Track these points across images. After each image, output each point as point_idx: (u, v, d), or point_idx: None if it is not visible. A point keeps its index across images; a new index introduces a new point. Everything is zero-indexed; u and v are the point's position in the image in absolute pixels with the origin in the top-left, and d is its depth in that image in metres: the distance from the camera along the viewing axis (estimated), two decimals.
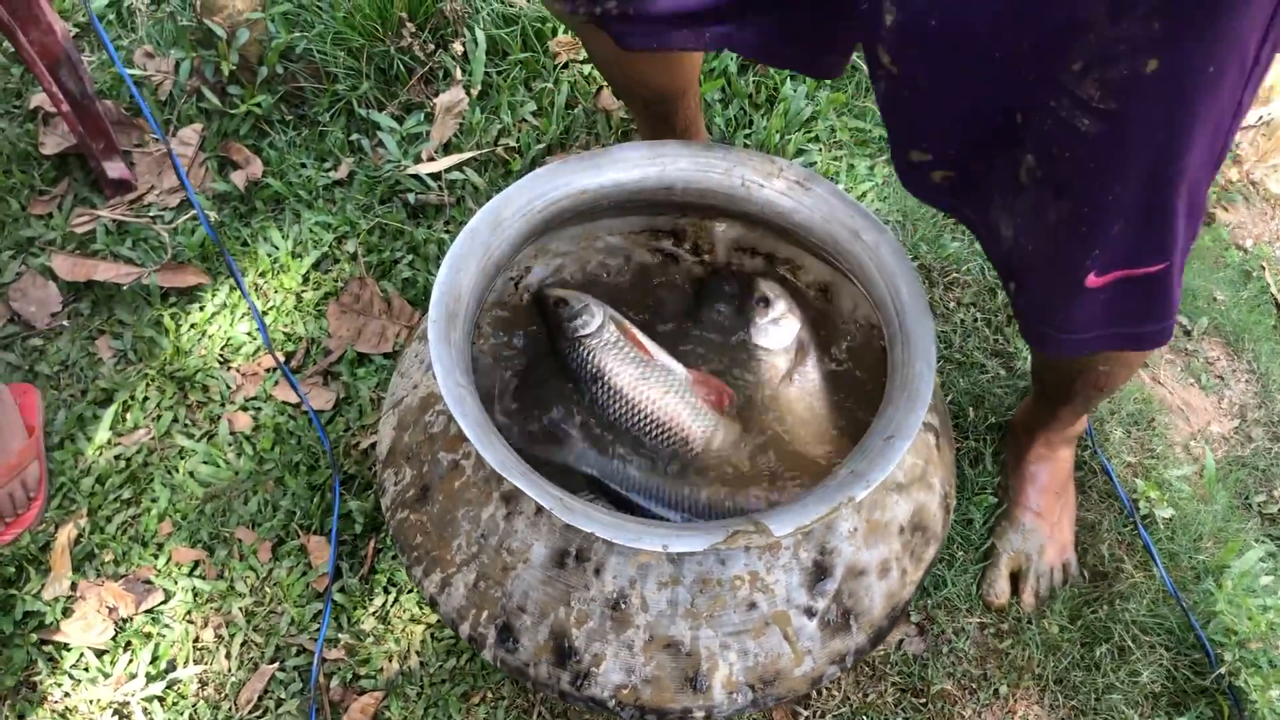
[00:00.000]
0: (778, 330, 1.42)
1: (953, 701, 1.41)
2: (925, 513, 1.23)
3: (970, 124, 1.03)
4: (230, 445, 1.54)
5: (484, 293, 1.21)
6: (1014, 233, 1.07)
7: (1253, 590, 1.51)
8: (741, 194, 1.29)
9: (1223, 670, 1.40)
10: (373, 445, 1.52)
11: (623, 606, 1.11)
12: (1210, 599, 1.49)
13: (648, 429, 1.35)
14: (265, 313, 1.65)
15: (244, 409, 1.57)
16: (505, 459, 1.05)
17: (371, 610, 1.43)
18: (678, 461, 1.33)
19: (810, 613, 1.14)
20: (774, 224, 1.31)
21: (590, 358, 1.35)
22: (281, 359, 1.60)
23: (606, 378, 1.33)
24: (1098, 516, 1.56)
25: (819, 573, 1.14)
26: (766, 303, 1.43)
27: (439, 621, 1.41)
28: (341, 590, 1.44)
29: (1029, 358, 1.66)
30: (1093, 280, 1.03)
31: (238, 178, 1.73)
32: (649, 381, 1.33)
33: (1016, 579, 1.50)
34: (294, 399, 1.57)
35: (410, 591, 1.43)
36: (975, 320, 1.69)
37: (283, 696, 1.37)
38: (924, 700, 1.40)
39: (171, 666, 1.38)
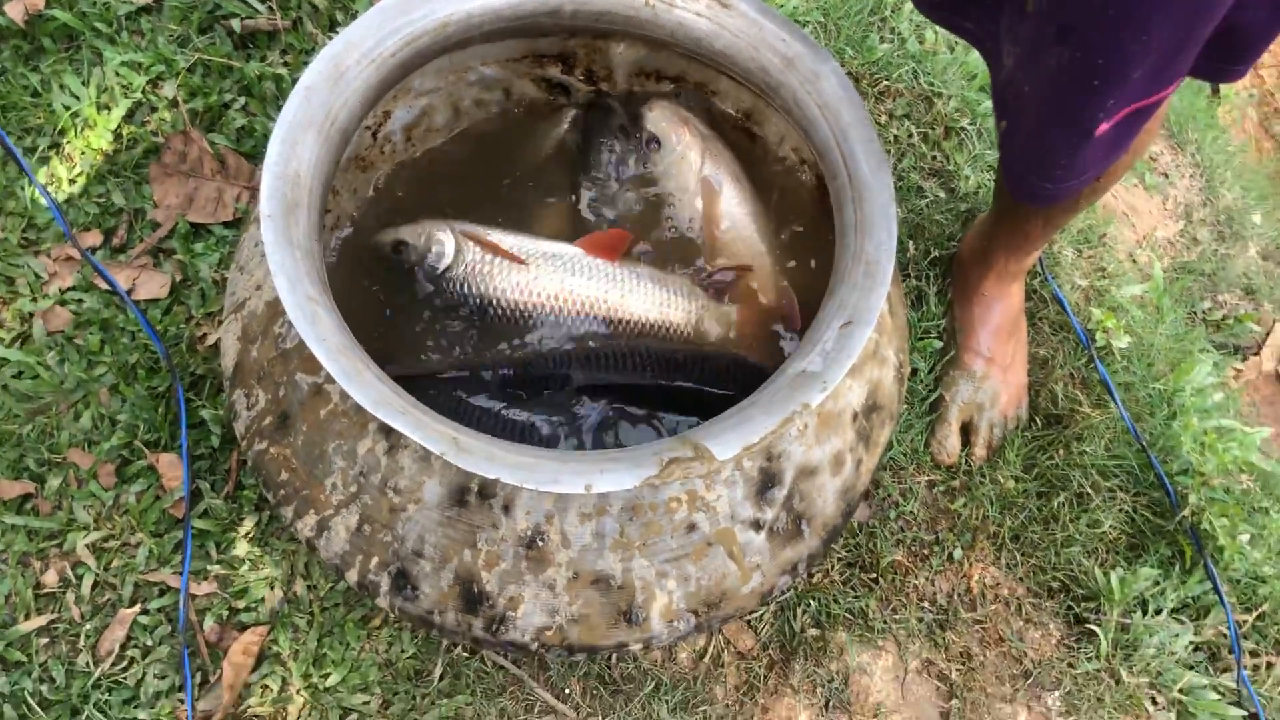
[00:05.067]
0: (679, 170, 1.20)
1: (904, 571, 1.29)
2: (880, 391, 1.06)
3: None
4: (50, 349, 1.28)
5: (331, 169, 0.96)
6: (1014, 63, 0.86)
7: (1206, 411, 1.41)
8: (647, 15, 1.04)
9: (1186, 512, 1.30)
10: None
11: (540, 544, 0.93)
12: (1169, 432, 1.38)
13: (575, 324, 1.15)
14: (73, 180, 1.35)
15: (62, 302, 1.30)
16: (379, 393, 0.84)
17: (244, 532, 1.23)
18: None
19: (758, 525, 0.97)
20: (689, 51, 1.07)
21: (465, 289, 1.12)
22: (98, 240, 1.32)
23: (495, 301, 1.11)
24: (1050, 352, 1.42)
25: (766, 481, 0.97)
26: (656, 142, 1.21)
27: None
28: (205, 514, 1.23)
29: (971, 176, 1.47)
30: (1102, 129, 0.83)
31: (14, 9, 1.39)
32: (542, 279, 1.12)
33: (967, 431, 1.36)
34: (122, 285, 1.30)
35: None
36: (910, 135, 1.48)
37: (149, 643, 1.18)
38: (874, 575, 1.28)
39: (10, 621, 1.17)
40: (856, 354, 0.89)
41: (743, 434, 0.86)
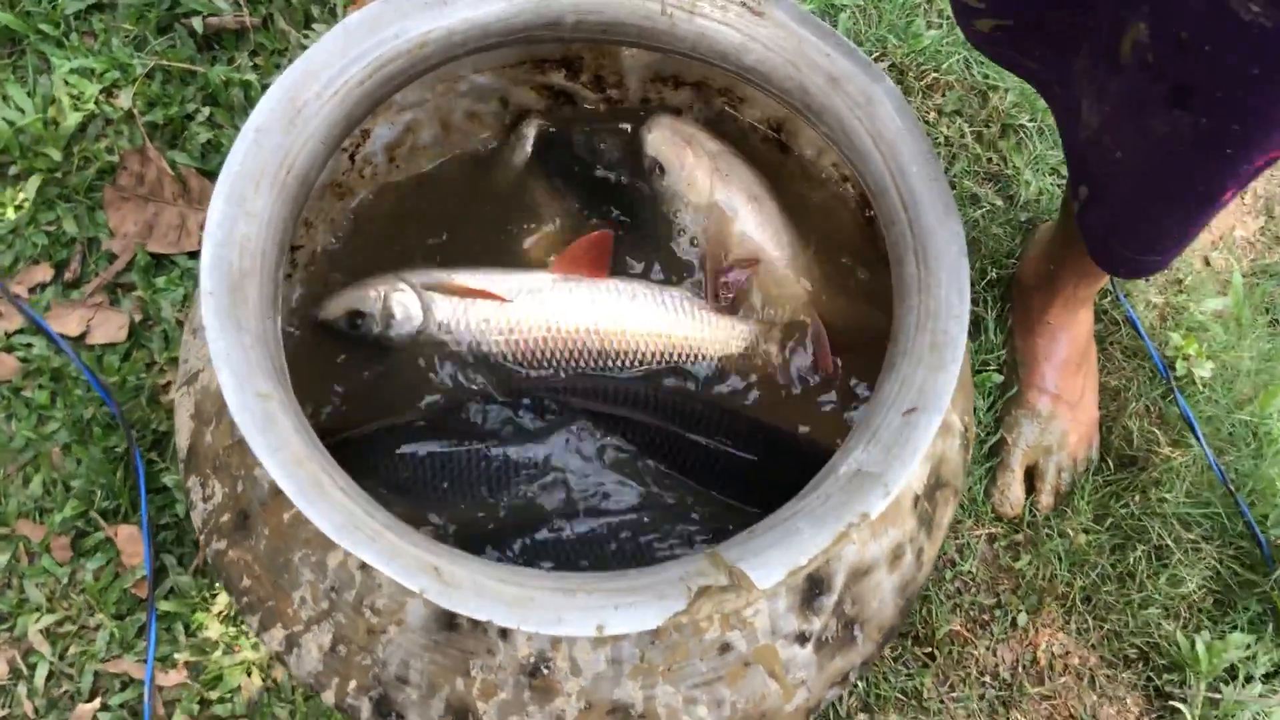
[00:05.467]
0: (687, 197, 1.05)
1: (962, 642, 1.14)
2: (945, 465, 0.90)
3: None
4: None
5: (289, 226, 0.80)
6: (1100, 123, 0.69)
7: None
8: (663, 26, 0.87)
9: None
10: None
11: (544, 672, 0.78)
12: (1258, 472, 1.22)
13: (561, 357, 0.99)
14: (19, 205, 1.20)
15: (8, 348, 1.15)
16: (344, 514, 0.69)
17: (216, 612, 1.09)
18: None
19: (803, 638, 0.82)
20: (713, 66, 0.90)
21: (442, 349, 0.97)
22: (48, 275, 1.17)
23: (480, 351, 0.96)
24: (1122, 382, 1.25)
25: (813, 589, 0.82)
26: (660, 168, 1.05)
27: None
28: (171, 593, 1.09)
29: (1032, 181, 1.30)
30: (1229, 195, 0.67)
31: None
32: (526, 321, 0.96)
33: (1031, 476, 1.20)
34: (73, 328, 1.16)
35: None
36: (962, 134, 1.31)
37: None
38: (929, 648, 1.13)
39: None
40: (924, 448, 0.73)
41: (787, 553, 0.71)
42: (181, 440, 0.90)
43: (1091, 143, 0.71)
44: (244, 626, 1.08)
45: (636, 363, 0.99)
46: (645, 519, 0.96)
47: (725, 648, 0.80)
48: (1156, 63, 0.62)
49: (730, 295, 1.01)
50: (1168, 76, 0.62)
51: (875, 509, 0.72)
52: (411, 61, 0.84)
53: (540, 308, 0.96)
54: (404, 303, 0.95)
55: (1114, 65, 0.66)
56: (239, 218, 0.75)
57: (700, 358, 1.01)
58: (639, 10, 0.86)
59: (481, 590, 0.68)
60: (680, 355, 1.00)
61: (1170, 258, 0.80)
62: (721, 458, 0.96)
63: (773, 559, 0.71)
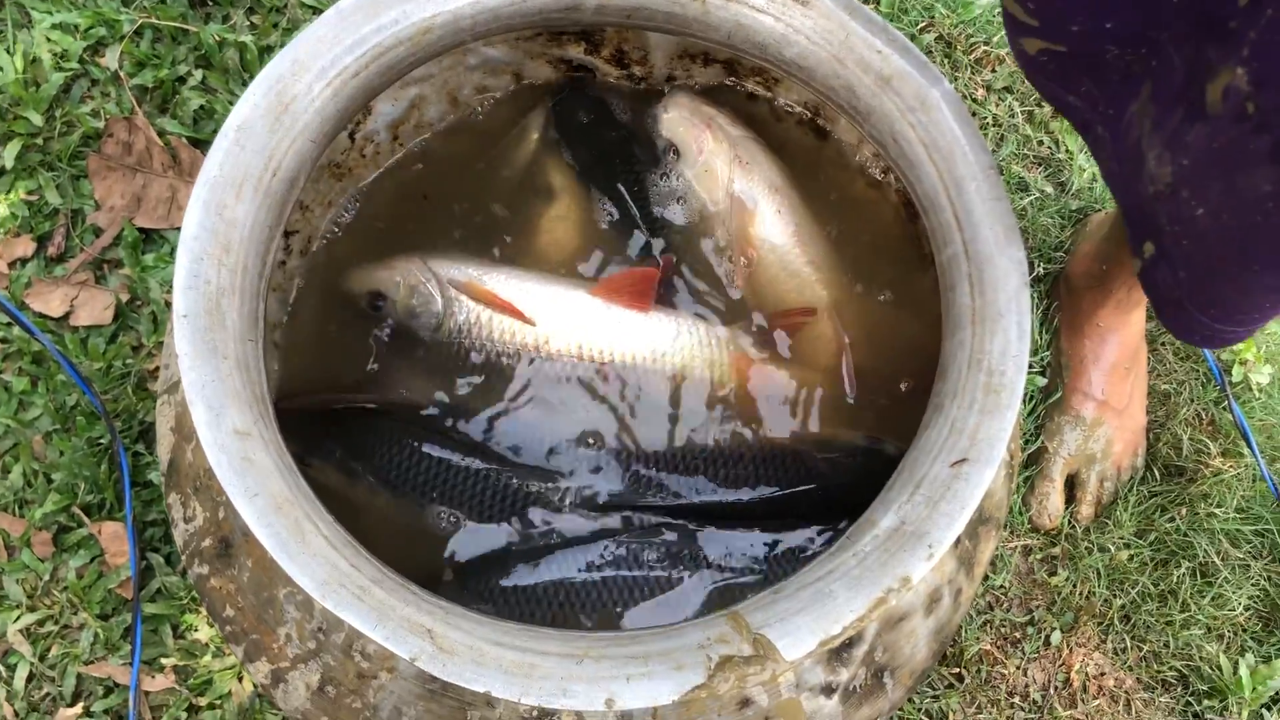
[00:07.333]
0: (704, 184, 0.97)
1: (992, 662, 1.08)
2: (989, 500, 0.83)
3: None
4: None
5: (274, 232, 0.72)
6: (1176, 176, 0.60)
7: None
8: (695, 13, 0.78)
9: None
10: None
11: None
12: None
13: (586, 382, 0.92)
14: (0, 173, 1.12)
15: None
16: (327, 569, 0.62)
17: (205, 614, 1.03)
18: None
19: (830, 690, 0.76)
20: (751, 58, 0.81)
21: (460, 351, 0.89)
22: (29, 250, 1.10)
23: (499, 365, 0.88)
24: (1173, 386, 1.17)
25: (844, 641, 0.75)
26: (675, 151, 0.97)
27: None
28: (159, 594, 1.03)
29: (1086, 166, 1.21)
30: None
31: None
32: (555, 340, 0.88)
33: (1071, 484, 1.13)
34: (56, 307, 1.09)
35: None
36: (1012, 113, 1.21)
37: None
38: (957, 668, 1.07)
39: None
40: (974, 505, 0.66)
41: (819, 621, 0.64)
42: (162, 452, 0.83)
43: (1162, 198, 0.63)
44: None
45: (669, 392, 0.92)
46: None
47: (745, 702, 0.73)
48: (1259, 113, 0.54)
49: (786, 343, 0.94)
50: (1273, 129, 0.53)
51: (918, 572, 0.65)
52: (414, 49, 0.75)
53: (571, 330, 0.88)
54: (427, 297, 0.88)
55: (1195, 113, 0.57)
56: (218, 228, 0.67)
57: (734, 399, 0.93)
58: None
59: (480, 658, 0.62)
60: (705, 382, 0.92)
61: (1253, 329, 0.71)
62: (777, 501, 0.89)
63: (802, 626, 0.64)
